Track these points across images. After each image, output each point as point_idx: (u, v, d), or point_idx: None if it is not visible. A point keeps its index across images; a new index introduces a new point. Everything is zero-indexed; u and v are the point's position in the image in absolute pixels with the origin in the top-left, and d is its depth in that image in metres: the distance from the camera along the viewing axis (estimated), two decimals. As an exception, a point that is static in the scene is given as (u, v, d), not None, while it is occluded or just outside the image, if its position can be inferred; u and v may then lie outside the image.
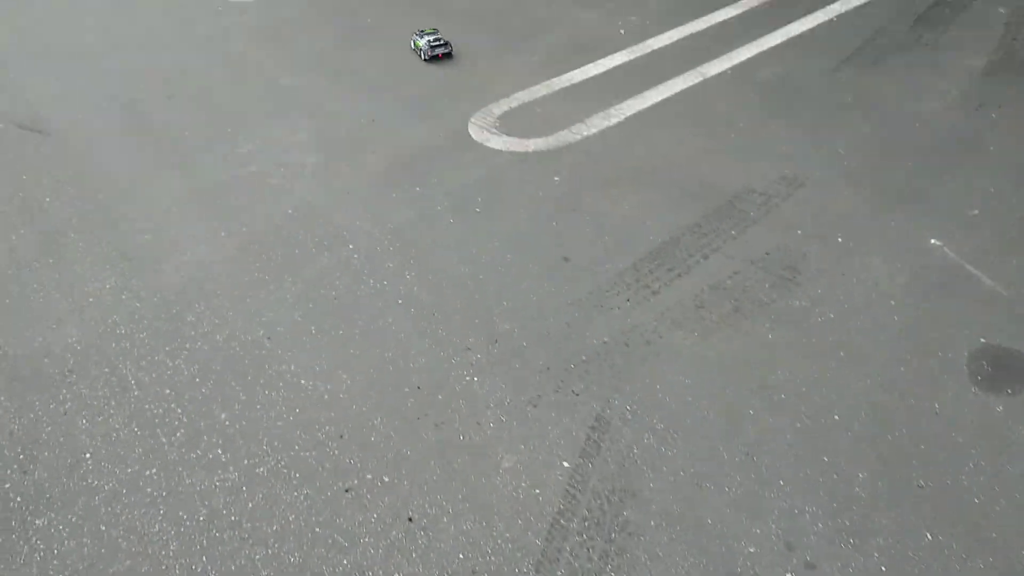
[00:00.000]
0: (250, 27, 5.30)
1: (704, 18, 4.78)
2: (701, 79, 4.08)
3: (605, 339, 2.51)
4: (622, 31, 4.73)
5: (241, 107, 4.20)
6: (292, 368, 2.51)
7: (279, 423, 2.32)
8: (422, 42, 4.67)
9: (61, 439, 2.32)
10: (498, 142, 3.70)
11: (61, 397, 2.47)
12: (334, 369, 2.49)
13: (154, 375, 2.52)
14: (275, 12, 5.54)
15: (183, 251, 3.10)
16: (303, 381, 2.46)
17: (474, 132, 3.80)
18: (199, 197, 3.44)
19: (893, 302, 2.60)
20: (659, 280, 2.73)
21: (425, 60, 4.65)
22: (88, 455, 2.27)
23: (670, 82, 4.07)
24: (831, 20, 4.59)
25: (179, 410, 2.39)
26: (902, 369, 2.37)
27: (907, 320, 2.53)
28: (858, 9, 4.71)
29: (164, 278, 2.96)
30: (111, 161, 3.78)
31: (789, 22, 4.61)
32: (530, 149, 3.63)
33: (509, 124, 3.84)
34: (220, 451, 2.25)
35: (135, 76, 4.64)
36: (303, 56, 4.79)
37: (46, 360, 2.62)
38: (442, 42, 4.66)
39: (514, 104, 4.03)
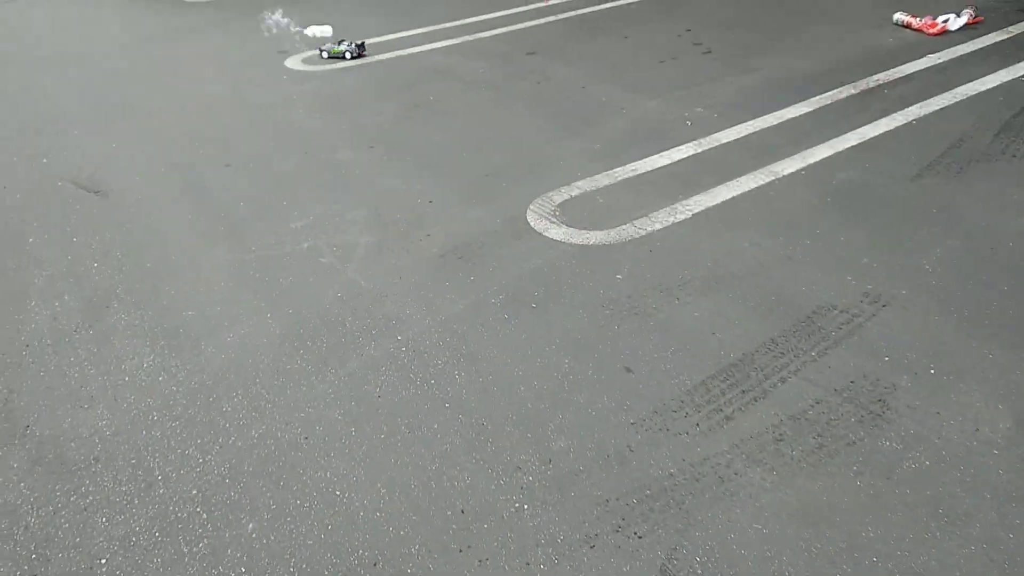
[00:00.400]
0: (311, 97, 5.33)
1: (774, 113, 4.64)
2: (773, 178, 3.91)
3: (672, 470, 2.27)
4: (688, 122, 4.62)
5: (297, 179, 4.15)
6: (328, 476, 2.32)
7: (309, 541, 2.12)
8: (342, 47, 5.99)
9: (77, 539, 2.15)
10: (557, 232, 3.55)
11: (83, 489, 2.31)
12: (372, 481, 2.29)
13: (182, 471, 2.35)
14: (337, 83, 5.58)
15: (226, 331, 2.98)
16: (338, 492, 2.26)
17: (532, 220, 3.67)
18: (248, 273, 3.33)
19: (996, 451, 2.32)
20: (732, 404, 2.50)
21: (353, 58, 5.97)
22: (104, 561, 2.09)
23: (740, 179, 3.91)
24: (910, 123, 4.41)
25: (204, 515, 2.21)
26: (1011, 536, 2.08)
27: (1013, 475, 2.24)
28: (938, 113, 4.52)
29: (204, 360, 2.82)
30: (163, 228, 3.72)
31: (864, 123, 4.44)
32: (591, 242, 3.47)
33: (569, 213, 3.70)
34: (243, 569, 2.05)
35: (194, 140, 4.66)
36: (362, 130, 4.76)
37: (72, 444, 2.48)
38: (360, 42, 6.06)
39: (575, 192, 3.90)
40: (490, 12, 7.19)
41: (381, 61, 6.03)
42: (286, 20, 7.17)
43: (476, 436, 2.44)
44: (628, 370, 2.68)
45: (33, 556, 2.12)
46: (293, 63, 6.05)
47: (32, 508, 2.27)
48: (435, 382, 2.67)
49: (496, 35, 6.54)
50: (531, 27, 6.71)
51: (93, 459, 2.42)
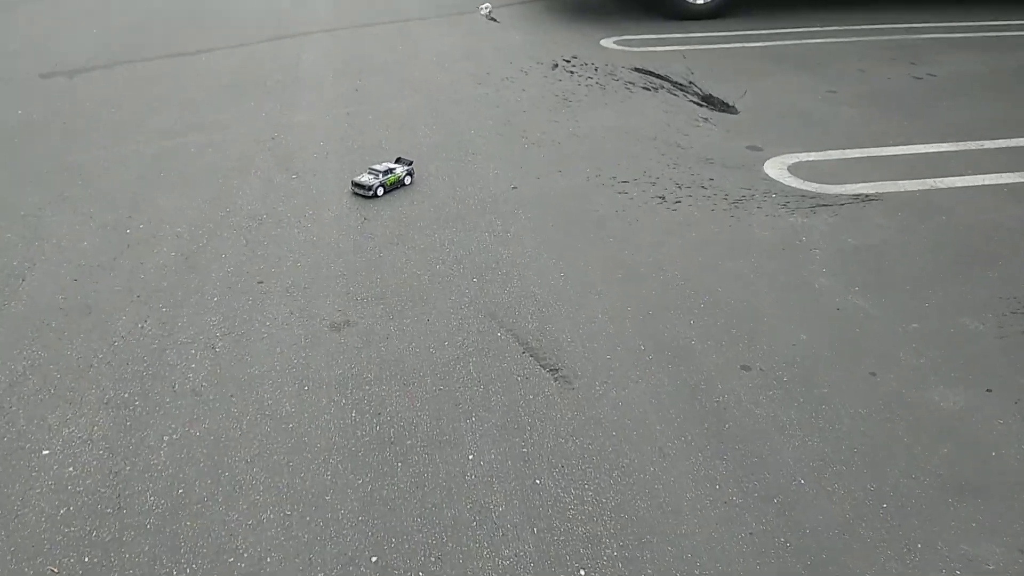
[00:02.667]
0: (828, 242, 3.57)
1: None
2: None
3: None
4: None
5: (873, 428, 2.40)
6: None
7: None
8: (399, 170, 4.14)
9: None
10: None
11: None
12: None
13: None
14: (860, 225, 3.74)
15: None
16: None
17: None
18: None
19: None
20: None
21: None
22: None
23: None
24: None
25: None
26: None
27: None
28: None
29: None
30: (657, 473, 2.18)
31: None
32: None
33: None
34: None
35: (685, 300, 3.11)
36: (956, 341, 2.87)
37: None
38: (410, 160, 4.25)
39: None
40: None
41: (910, 195, 4.11)
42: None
43: None
44: None
45: None
46: (776, 170, 4.37)
47: None
48: None
49: (1082, 178, 4.30)
50: None
51: None
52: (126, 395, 2.58)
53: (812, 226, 3.73)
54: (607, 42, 7.12)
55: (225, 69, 6.30)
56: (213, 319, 2.99)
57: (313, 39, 7.22)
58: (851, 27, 7.58)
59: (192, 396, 2.57)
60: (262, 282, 3.25)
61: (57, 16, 7.98)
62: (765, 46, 7.01)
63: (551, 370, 2.70)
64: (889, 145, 4.75)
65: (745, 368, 2.71)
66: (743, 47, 6.99)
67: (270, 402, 2.55)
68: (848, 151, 4.66)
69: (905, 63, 6.48)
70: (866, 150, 4.67)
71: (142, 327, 2.94)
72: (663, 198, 4.05)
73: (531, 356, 2.77)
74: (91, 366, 2.72)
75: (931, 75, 6.19)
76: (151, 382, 2.64)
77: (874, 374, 2.69)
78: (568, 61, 6.54)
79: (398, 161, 4.26)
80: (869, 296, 3.16)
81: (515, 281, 3.26)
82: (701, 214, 3.87)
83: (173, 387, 2.62)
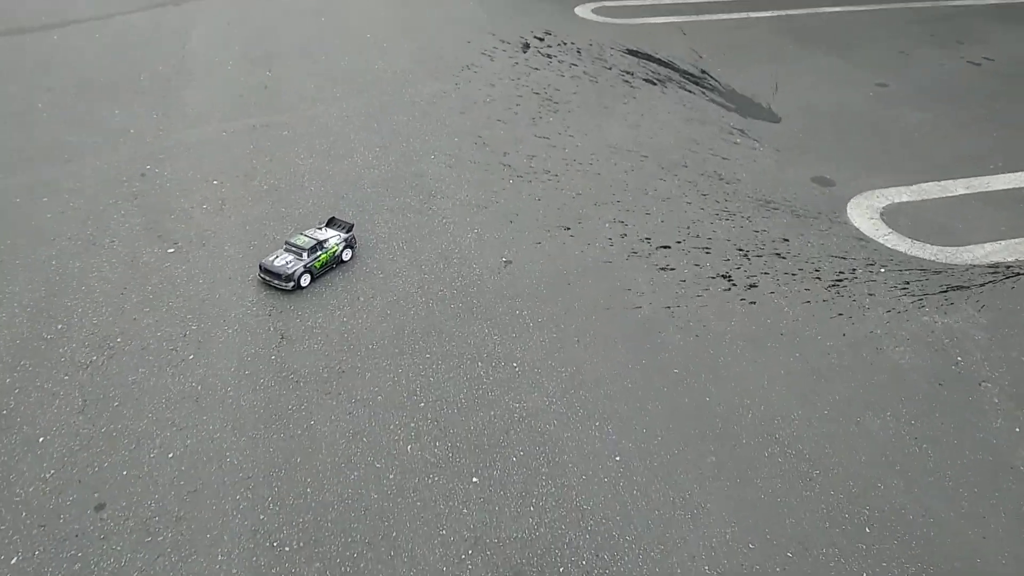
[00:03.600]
0: (1013, 387, 2.37)
1: None
2: None
3: None
4: None
5: None
6: None
7: None
8: (332, 240, 2.71)
9: None
10: None
11: None
12: None
13: None
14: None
15: None
16: None
17: None
18: None
19: None
20: None
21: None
22: None
23: None
24: None
25: None
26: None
27: None
28: None
29: None
30: None
31: None
32: None
33: None
34: None
35: (864, 563, 1.86)
36: None
37: None
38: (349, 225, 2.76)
39: None
40: None
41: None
42: None
43: None
44: None
45: None
46: (867, 220, 3.16)
47: None
48: None
49: None
50: None
51: None
52: None
53: (961, 332, 2.53)
54: (583, 10, 5.69)
55: (84, 55, 4.59)
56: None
57: (206, 5, 5.53)
58: (868, -9, 6.35)
59: None
60: (102, 509, 1.84)
61: None
62: (775, 16, 5.71)
63: None
64: (992, 172, 3.58)
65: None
66: (749, 17, 5.67)
67: None
68: (946, 183, 3.46)
69: (950, 42, 5.31)
70: (968, 181, 3.49)
71: None
72: (729, 279, 2.77)
73: None
74: None
75: (988, 59, 5.03)
76: None
77: None
78: (541, 39, 5.10)
79: (331, 223, 2.84)
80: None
81: (543, 480, 1.95)
82: (794, 312, 2.61)
83: None
